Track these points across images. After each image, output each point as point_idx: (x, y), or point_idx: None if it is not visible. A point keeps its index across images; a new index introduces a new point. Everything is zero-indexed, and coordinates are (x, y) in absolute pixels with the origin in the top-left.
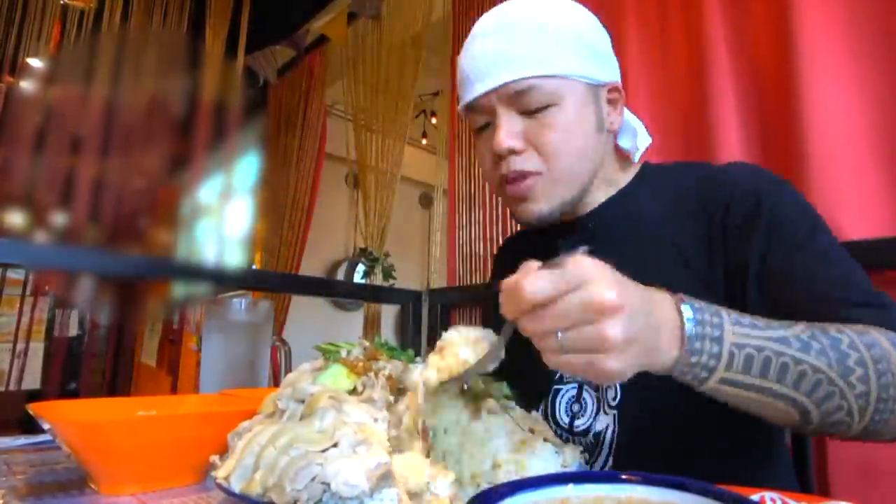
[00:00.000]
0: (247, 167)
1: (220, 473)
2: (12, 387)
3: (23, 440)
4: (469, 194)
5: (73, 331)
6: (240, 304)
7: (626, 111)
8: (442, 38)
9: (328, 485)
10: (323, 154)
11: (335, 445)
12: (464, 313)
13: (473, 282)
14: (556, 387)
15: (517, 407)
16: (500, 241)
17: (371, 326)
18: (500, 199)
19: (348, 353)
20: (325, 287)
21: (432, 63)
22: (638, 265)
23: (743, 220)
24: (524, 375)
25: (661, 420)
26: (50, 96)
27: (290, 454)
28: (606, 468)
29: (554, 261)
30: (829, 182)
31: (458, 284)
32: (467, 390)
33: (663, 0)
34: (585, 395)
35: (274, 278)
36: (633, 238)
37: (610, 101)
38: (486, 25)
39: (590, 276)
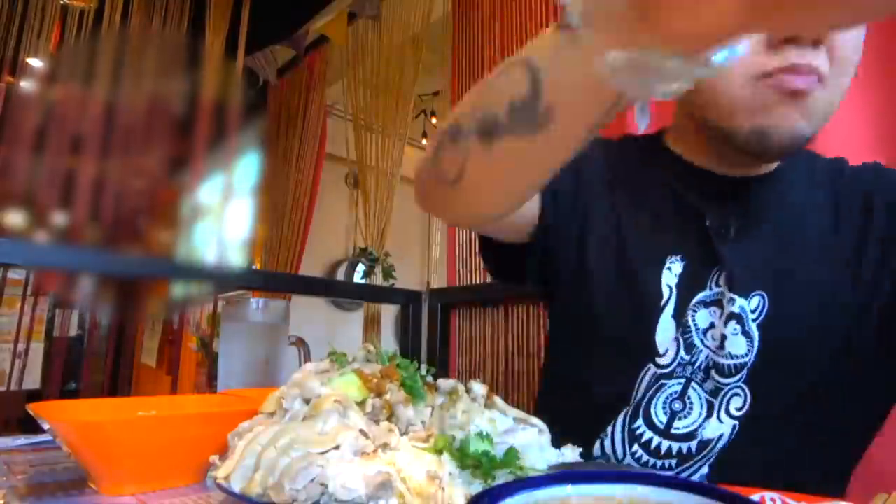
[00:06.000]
0: (247, 167)
1: (219, 474)
2: (12, 387)
3: (23, 440)
4: None
5: (73, 331)
6: (256, 304)
7: None
8: (442, 38)
9: (327, 486)
10: (323, 154)
11: (336, 448)
12: (464, 313)
13: (473, 282)
14: (662, 382)
15: (499, 399)
16: None
17: (371, 327)
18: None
19: (353, 359)
20: (325, 287)
21: (432, 63)
22: (798, 251)
23: None
24: (621, 349)
25: (794, 441)
26: (50, 96)
27: (291, 455)
28: (697, 478)
29: None
30: None
31: (458, 284)
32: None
33: None
34: (692, 393)
35: (274, 278)
36: (786, 221)
37: None
38: None
39: None
